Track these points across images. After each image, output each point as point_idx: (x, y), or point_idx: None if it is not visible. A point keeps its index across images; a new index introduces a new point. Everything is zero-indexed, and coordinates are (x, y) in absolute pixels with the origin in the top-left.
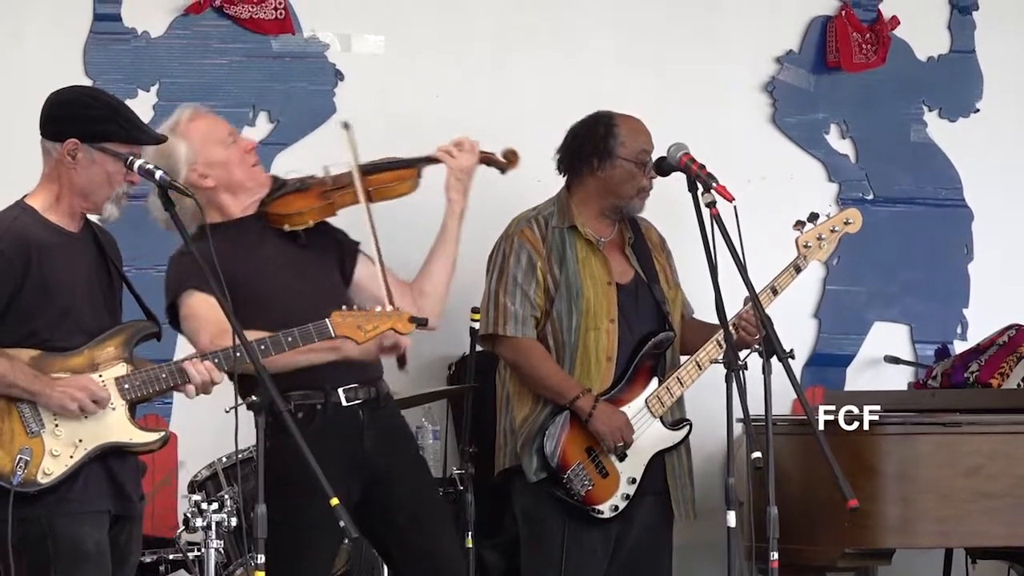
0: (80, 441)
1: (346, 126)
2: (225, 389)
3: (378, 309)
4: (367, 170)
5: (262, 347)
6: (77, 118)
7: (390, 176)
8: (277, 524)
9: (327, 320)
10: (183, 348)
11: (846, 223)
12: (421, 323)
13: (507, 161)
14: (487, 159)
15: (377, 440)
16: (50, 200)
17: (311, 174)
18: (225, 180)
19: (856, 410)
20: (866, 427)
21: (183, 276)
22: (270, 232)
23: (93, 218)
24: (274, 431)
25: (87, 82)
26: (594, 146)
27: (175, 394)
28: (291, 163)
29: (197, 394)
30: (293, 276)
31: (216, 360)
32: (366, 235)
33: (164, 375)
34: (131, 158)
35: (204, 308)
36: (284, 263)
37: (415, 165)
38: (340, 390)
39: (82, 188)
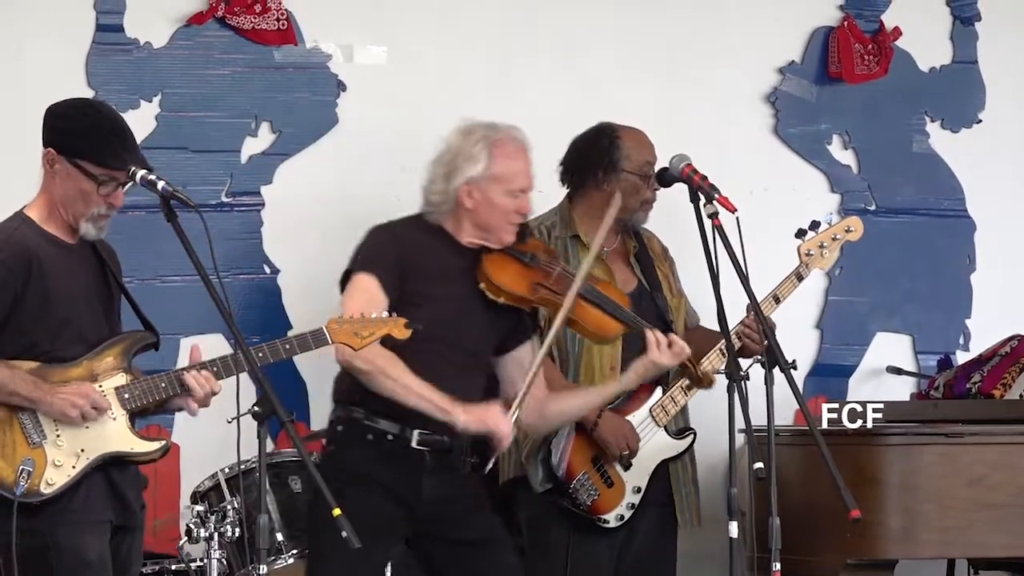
0: (82, 451)
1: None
2: (228, 400)
3: (374, 315)
4: (586, 294)
5: (260, 354)
6: (58, 129)
7: (597, 320)
8: (319, 533)
9: (323, 327)
10: (184, 357)
11: (847, 231)
12: (417, 330)
13: (700, 381)
14: (688, 368)
15: (436, 488)
16: (45, 211)
17: (553, 252)
18: (482, 219)
19: (859, 408)
20: (869, 424)
21: (368, 255)
22: (471, 274)
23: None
24: (341, 442)
25: (89, 93)
26: (598, 159)
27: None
28: (293, 173)
29: (200, 407)
30: (462, 317)
31: (215, 369)
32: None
33: (164, 384)
34: (132, 168)
35: (362, 293)
36: (462, 305)
37: (626, 324)
38: (416, 431)
39: (60, 199)
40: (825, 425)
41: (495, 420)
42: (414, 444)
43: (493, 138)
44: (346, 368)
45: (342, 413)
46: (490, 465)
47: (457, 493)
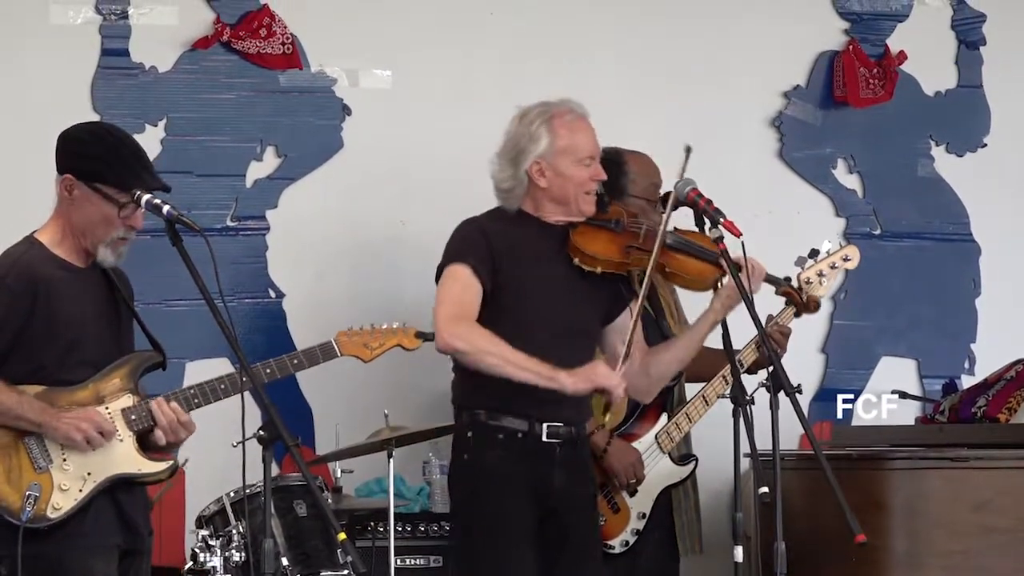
0: (89, 474)
1: (688, 149)
2: (233, 424)
3: (384, 325)
4: (674, 245)
5: (267, 371)
6: (75, 154)
7: (692, 268)
8: (470, 533)
9: (332, 340)
10: (191, 377)
11: (845, 259)
12: (428, 338)
13: (807, 306)
14: (792, 295)
15: (565, 478)
16: (57, 236)
17: (634, 212)
18: (559, 193)
19: (874, 398)
20: (884, 416)
21: (458, 247)
22: (564, 255)
23: None
24: (474, 446)
25: (94, 117)
26: (605, 184)
27: None
28: (298, 197)
29: (167, 440)
30: (561, 296)
31: (223, 387)
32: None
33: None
34: (137, 192)
35: (458, 284)
36: (562, 285)
37: (716, 264)
38: (545, 425)
39: (79, 226)
40: (840, 416)
41: (603, 376)
42: (544, 438)
43: (550, 113)
44: (446, 352)
45: (468, 418)
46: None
47: (581, 489)
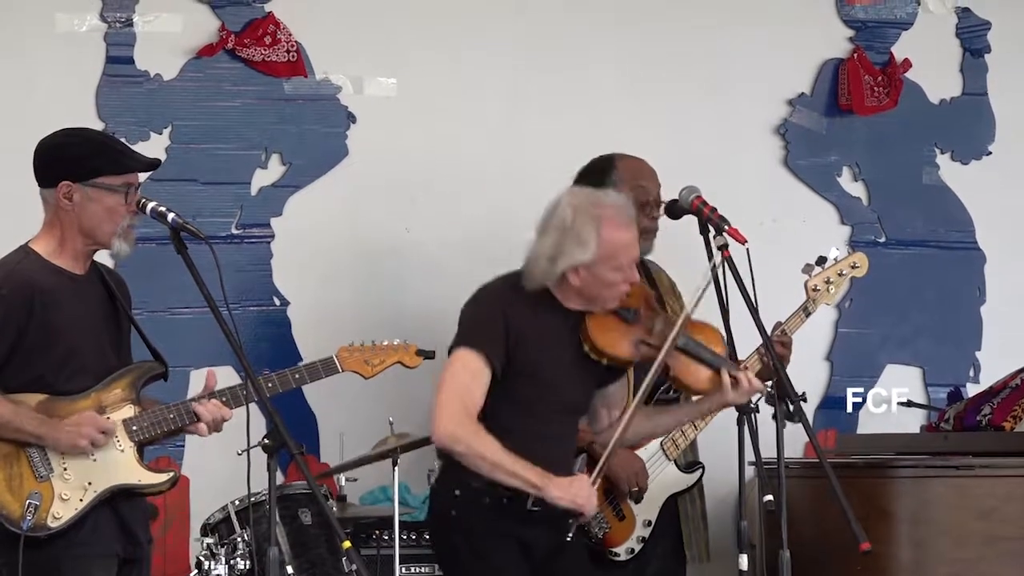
0: (89, 484)
1: (714, 268)
2: (238, 432)
3: (385, 342)
4: (684, 347)
5: (269, 384)
6: (64, 160)
7: (694, 375)
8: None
9: (334, 356)
10: (195, 388)
11: (853, 267)
12: (428, 355)
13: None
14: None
15: (546, 535)
16: (53, 244)
17: (650, 299)
18: (589, 293)
19: (884, 392)
20: (893, 409)
21: (474, 329)
22: (575, 334)
23: (102, 258)
24: (461, 504)
25: (99, 125)
26: (593, 187)
27: (186, 436)
28: (303, 205)
29: (210, 432)
30: (568, 378)
31: (224, 399)
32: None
33: (172, 415)
34: (143, 200)
35: (467, 374)
36: (567, 368)
37: (717, 370)
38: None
39: (86, 228)
40: (850, 409)
41: (583, 496)
42: (529, 506)
43: (602, 217)
44: (439, 444)
45: (454, 476)
46: (571, 534)
47: (561, 540)
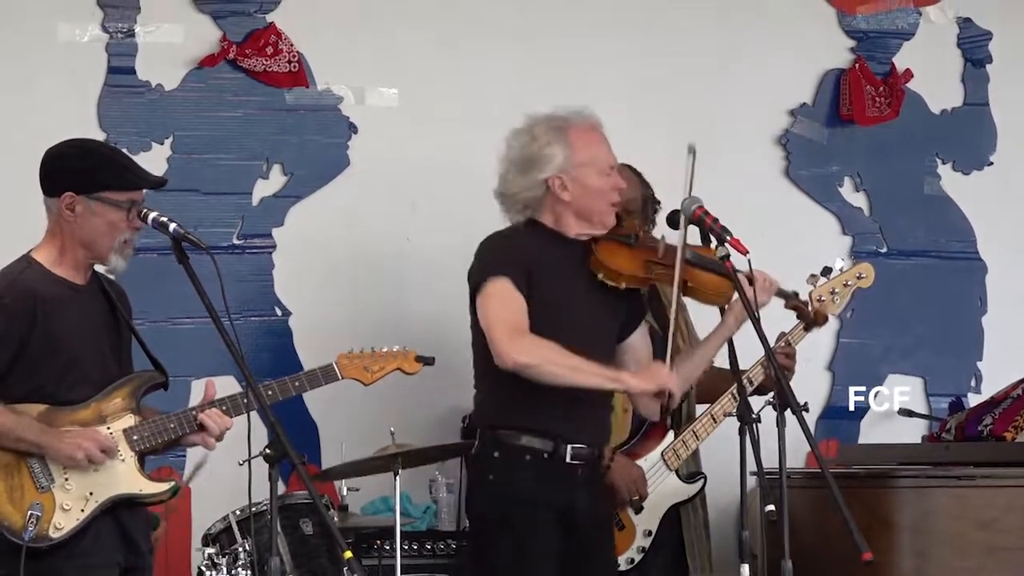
0: (91, 494)
1: (692, 151)
2: (239, 442)
3: (384, 349)
4: (692, 260)
5: (269, 392)
6: (70, 171)
7: (711, 283)
8: (497, 555)
9: (334, 363)
10: (197, 398)
11: (859, 277)
12: (428, 362)
13: (815, 319)
14: (800, 310)
15: (587, 499)
16: (55, 254)
17: (644, 227)
18: (582, 207)
19: (887, 391)
20: (895, 408)
21: (494, 260)
22: (586, 267)
23: (101, 269)
24: (501, 467)
25: (101, 135)
26: None
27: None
28: (305, 215)
29: (217, 442)
30: (586, 312)
31: (224, 407)
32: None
33: (173, 425)
34: (145, 210)
35: (501, 297)
36: (588, 303)
37: (729, 279)
38: (569, 447)
39: (85, 240)
40: (852, 408)
41: (665, 376)
42: (568, 459)
43: (565, 125)
44: (512, 369)
45: (493, 437)
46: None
47: (601, 509)
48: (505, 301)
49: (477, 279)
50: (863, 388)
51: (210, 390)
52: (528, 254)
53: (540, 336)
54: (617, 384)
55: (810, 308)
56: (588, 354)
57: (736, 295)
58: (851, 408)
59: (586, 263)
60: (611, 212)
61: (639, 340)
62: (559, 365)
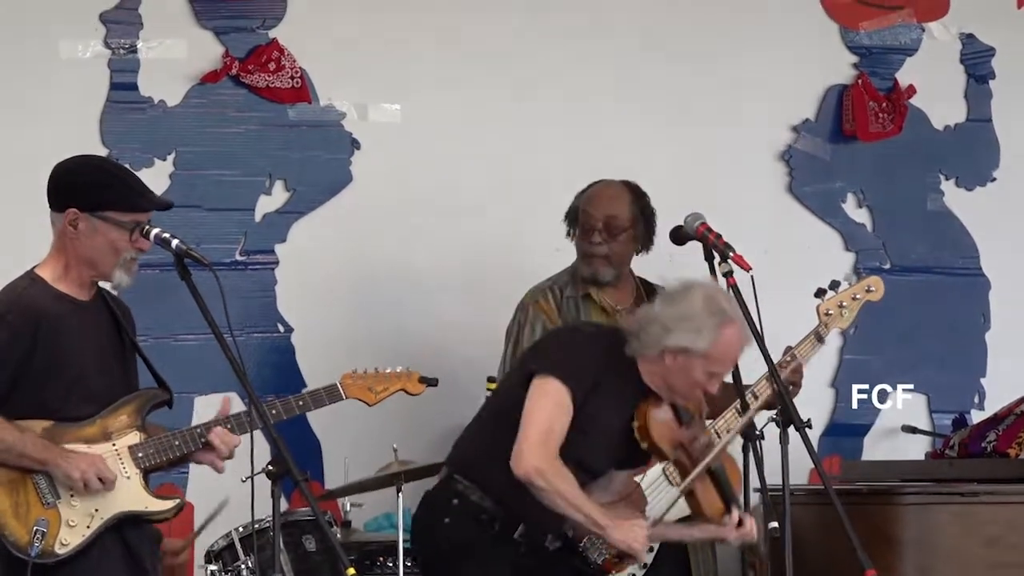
0: (96, 511)
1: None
2: (242, 459)
3: (388, 370)
4: (714, 473)
5: (274, 411)
6: (76, 188)
7: (711, 502)
8: None
9: (338, 383)
10: (200, 415)
11: (868, 291)
12: (431, 383)
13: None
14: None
15: (536, 563)
16: (59, 270)
17: (701, 414)
18: (671, 381)
19: (890, 388)
20: (900, 407)
21: (569, 363)
22: (631, 408)
23: (106, 286)
24: (456, 514)
25: (103, 151)
26: (569, 212)
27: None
28: (307, 231)
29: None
30: (612, 448)
31: (228, 425)
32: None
33: (177, 442)
34: (147, 227)
35: (554, 405)
36: (615, 440)
37: (729, 505)
38: (521, 525)
39: (87, 257)
40: (856, 406)
41: (639, 544)
42: (516, 535)
43: (726, 319)
44: (521, 476)
45: (458, 487)
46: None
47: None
48: (554, 409)
49: (545, 367)
50: (865, 387)
51: (225, 407)
52: (601, 379)
53: (569, 454)
54: (601, 532)
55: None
56: (595, 477)
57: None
58: (854, 406)
59: (633, 406)
60: (686, 399)
61: (623, 476)
62: (563, 499)
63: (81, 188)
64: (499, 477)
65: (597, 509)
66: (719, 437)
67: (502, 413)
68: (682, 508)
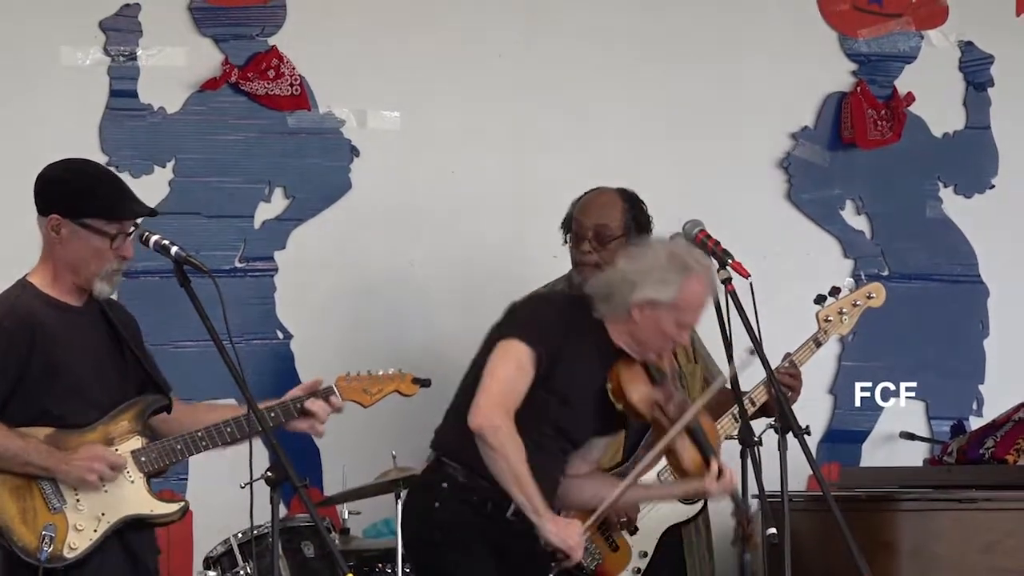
0: (102, 515)
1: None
2: (241, 465)
3: (381, 372)
4: (692, 431)
5: (272, 415)
6: (60, 193)
7: (691, 459)
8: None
9: (333, 385)
10: None
11: (869, 297)
12: (424, 383)
13: (746, 537)
14: (739, 521)
15: (523, 549)
16: (48, 277)
17: (673, 372)
18: (642, 336)
19: (892, 386)
20: (903, 403)
21: (532, 324)
22: (604, 372)
23: None
24: (447, 498)
25: (102, 158)
26: (565, 219)
27: (189, 469)
28: (307, 239)
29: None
30: (589, 412)
31: (229, 429)
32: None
33: (179, 446)
34: (146, 233)
35: (515, 365)
36: (591, 404)
37: (708, 460)
38: (514, 505)
39: (70, 264)
40: (858, 404)
41: (574, 542)
42: (509, 515)
43: (691, 269)
44: (474, 429)
45: (446, 469)
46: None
47: (538, 554)
48: (514, 369)
49: (510, 331)
50: (868, 385)
51: (315, 383)
52: (568, 339)
53: (542, 416)
54: (536, 520)
55: (750, 526)
56: (572, 450)
57: (694, 481)
58: (857, 404)
59: (607, 369)
60: (657, 353)
61: (601, 443)
62: (508, 466)
63: (64, 194)
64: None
65: (537, 495)
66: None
67: (471, 387)
68: (677, 511)
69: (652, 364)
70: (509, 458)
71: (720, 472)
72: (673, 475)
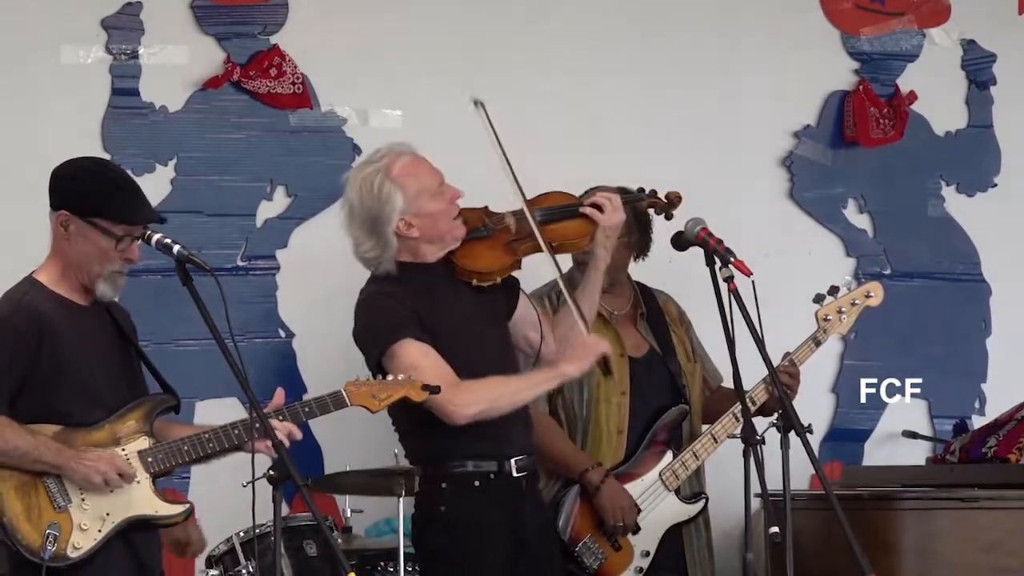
0: (107, 515)
1: (477, 104)
2: (243, 464)
3: (390, 378)
4: (544, 219)
5: (280, 418)
6: (69, 190)
7: (571, 230)
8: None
9: (342, 390)
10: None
11: (867, 296)
12: (433, 391)
13: (668, 202)
14: (652, 204)
15: (531, 509)
16: (56, 274)
17: (486, 210)
18: (430, 232)
19: (897, 382)
20: (907, 400)
21: (386, 325)
22: (460, 282)
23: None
24: (449, 496)
25: (105, 156)
26: None
27: (192, 468)
28: (309, 237)
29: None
30: (486, 325)
31: (236, 431)
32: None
33: (186, 447)
34: (149, 232)
35: (422, 357)
36: (477, 313)
37: (584, 218)
38: (513, 460)
39: (75, 261)
40: (863, 400)
41: (595, 346)
42: (515, 473)
43: (385, 167)
44: (465, 422)
45: (437, 470)
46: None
47: (542, 517)
48: (432, 358)
49: (380, 348)
50: (873, 381)
51: (278, 398)
52: (408, 302)
53: (455, 364)
54: (559, 379)
55: (667, 199)
56: (493, 362)
57: (598, 231)
58: (863, 400)
59: (456, 277)
60: (457, 225)
61: (524, 306)
62: (504, 398)
63: (75, 192)
64: (453, 435)
65: (534, 374)
66: (715, 441)
67: (402, 405)
68: (678, 511)
69: (472, 230)
70: (498, 396)
71: (599, 207)
72: (584, 256)
